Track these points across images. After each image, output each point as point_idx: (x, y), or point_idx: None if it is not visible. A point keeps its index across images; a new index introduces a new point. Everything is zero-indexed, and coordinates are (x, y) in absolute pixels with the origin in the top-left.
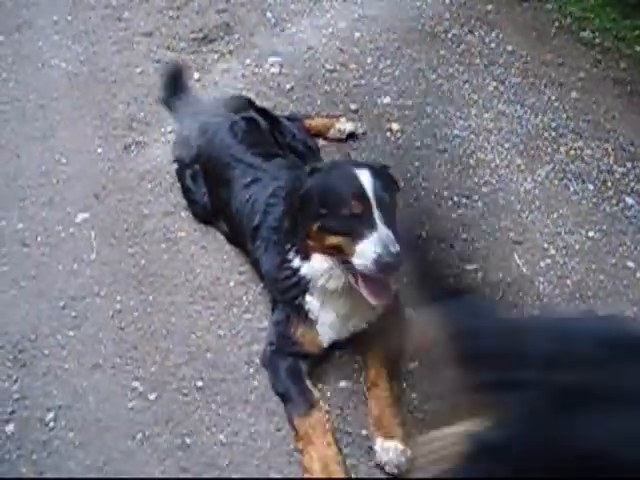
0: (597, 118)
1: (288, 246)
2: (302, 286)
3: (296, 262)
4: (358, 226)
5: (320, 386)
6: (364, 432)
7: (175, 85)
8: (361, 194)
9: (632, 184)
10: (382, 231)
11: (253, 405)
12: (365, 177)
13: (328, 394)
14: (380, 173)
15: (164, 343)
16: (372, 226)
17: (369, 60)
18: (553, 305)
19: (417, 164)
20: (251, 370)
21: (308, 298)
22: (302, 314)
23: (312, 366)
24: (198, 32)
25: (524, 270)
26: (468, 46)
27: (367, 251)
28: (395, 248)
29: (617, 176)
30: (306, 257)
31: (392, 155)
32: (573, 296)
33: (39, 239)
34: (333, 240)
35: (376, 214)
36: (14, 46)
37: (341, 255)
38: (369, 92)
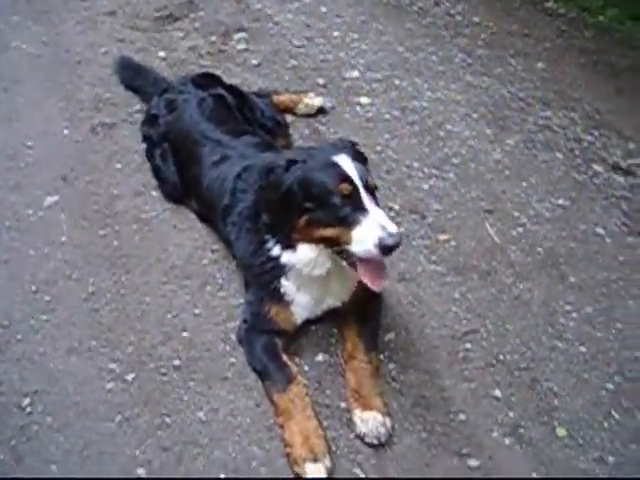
0: (563, 88)
1: (268, 237)
2: (279, 271)
3: (276, 251)
4: (350, 213)
5: (297, 360)
6: (343, 404)
7: (131, 74)
8: (347, 181)
9: (600, 152)
10: (376, 213)
11: (231, 382)
12: (345, 162)
13: (306, 368)
14: (353, 152)
15: (139, 324)
16: (364, 210)
17: (336, 34)
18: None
19: (387, 137)
20: (228, 347)
21: (284, 282)
22: (277, 296)
23: (288, 341)
24: (162, 10)
25: (496, 239)
26: (434, 18)
27: (367, 236)
28: (393, 227)
29: (585, 144)
30: (290, 247)
31: (362, 128)
32: (545, 263)
33: (8, 224)
34: (326, 232)
35: (365, 197)
36: None
37: (335, 245)
38: (337, 66)
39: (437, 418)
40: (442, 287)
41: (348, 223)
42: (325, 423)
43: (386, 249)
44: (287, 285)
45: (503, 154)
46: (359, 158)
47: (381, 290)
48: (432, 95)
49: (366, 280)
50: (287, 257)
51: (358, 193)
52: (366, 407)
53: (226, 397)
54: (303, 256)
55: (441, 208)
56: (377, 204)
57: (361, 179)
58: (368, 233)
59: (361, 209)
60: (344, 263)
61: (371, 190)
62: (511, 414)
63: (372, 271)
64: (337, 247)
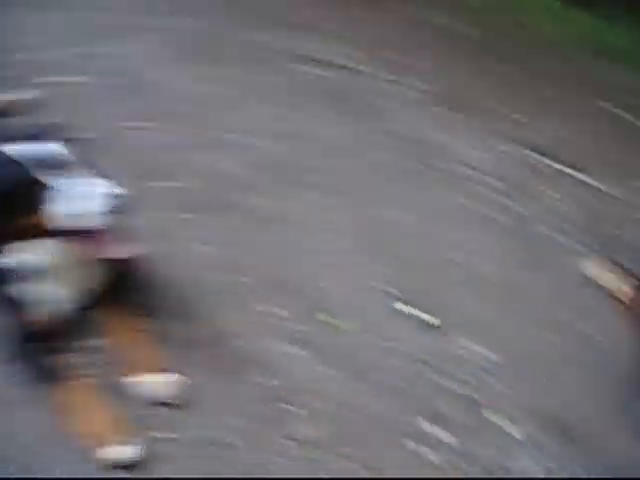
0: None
1: None
2: (11, 279)
3: None
4: (42, 194)
5: (72, 351)
6: (128, 379)
7: None
8: (22, 165)
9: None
10: (67, 181)
11: (28, 400)
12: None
13: (83, 357)
14: (29, 134)
15: None
16: (54, 187)
17: None
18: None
19: (97, 106)
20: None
21: (23, 287)
22: (23, 303)
23: (56, 337)
24: None
25: (234, 170)
26: None
27: (66, 207)
28: (94, 187)
29: (296, 52)
30: (7, 252)
31: (78, 108)
32: (279, 174)
33: None
34: (27, 222)
35: (52, 174)
36: None
37: (45, 231)
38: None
39: (229, 360)
40: (193, 232)
41: (36, 207)
42: (116, 402)
43: (114, 209)
44: (28, 289)
45: (223, 88)
46: (46, 137)
47: (120, 255)
48: (128, 50)
49: (98, 250)
50: (11, 262)
51: (43, 172)
52: (153, 373)
53: (29, 415)
54: (25, 256)
55: (172, 159)
56: (82, 174)
57: (40, 158)
58: (64, 203)
59: (50, 186)
60: (71, 243)
61: (67, 163)
62: (290, 325)
63: (99, 240)
64: (49, 232)
